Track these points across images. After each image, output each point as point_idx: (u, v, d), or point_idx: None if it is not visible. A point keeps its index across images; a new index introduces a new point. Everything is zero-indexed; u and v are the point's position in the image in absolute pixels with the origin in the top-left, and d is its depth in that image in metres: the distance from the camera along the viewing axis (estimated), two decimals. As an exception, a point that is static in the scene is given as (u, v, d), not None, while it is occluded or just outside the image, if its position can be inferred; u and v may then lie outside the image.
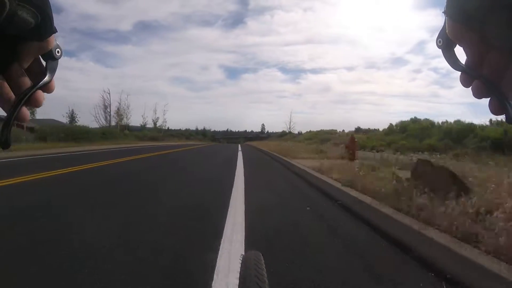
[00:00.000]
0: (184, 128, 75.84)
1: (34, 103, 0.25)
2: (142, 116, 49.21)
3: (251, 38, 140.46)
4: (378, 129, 50.81)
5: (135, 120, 47.41)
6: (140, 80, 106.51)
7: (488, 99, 0.24)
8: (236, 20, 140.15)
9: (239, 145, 28.11)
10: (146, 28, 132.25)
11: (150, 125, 49.11)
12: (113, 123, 39.41)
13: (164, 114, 51.80)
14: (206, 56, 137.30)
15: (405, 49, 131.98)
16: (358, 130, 48.37)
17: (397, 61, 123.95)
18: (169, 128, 62.91)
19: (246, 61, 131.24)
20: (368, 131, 49.60)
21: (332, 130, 46.25)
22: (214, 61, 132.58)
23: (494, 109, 0.23)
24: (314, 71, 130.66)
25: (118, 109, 39.45)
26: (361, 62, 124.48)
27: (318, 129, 50.68)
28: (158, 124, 50.44)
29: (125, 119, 40.30)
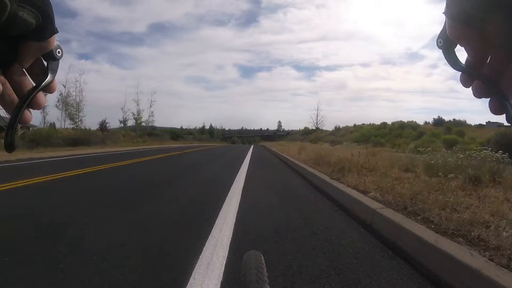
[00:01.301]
0: (196, 127, 64.66)
1: (35, 105, 0.25)
2: (122, 109, 35.04)
3: (264, 37, 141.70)
4: (465, 120, 33.59)
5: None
6: (155, 81, 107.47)
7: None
8: (249, 19, 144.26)
9: (249, 151, 13.57)
10: (160, 30, 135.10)
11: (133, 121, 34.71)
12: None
13: (150, 107, 36.78)
14: (220, 55, 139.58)
15: (421, 44, 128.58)
16: (439, 122, 31.86)
17: (413, 57, 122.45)
18: (179, 127, 49.12)
19: (260, 59, 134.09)
20: (459, 124, 32.95)
21: (410, 121, 29.75)
22: (229, 60, 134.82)
23: (494, 109, 0.23)
24: (329, 68, 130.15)
25: (61, 95, 25.83)
26: (376, 58, 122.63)
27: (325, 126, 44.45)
28: (143, 119, 35.82)
29: (74, 111, 26.38)
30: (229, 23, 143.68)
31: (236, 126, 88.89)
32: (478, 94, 0.24)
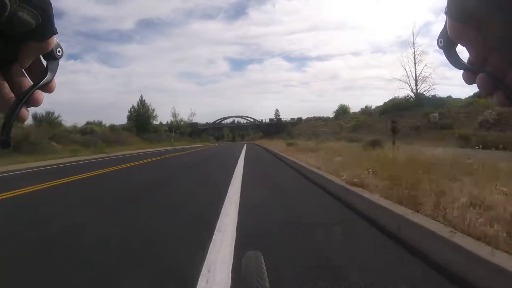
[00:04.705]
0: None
1: (33, 103, 0.25)
2: None
3: (254, 29, 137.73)
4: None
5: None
6: (147, 78, 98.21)
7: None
8: (238, 12, 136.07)
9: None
10: (149, 26, 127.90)
11: None
12: None
13: None
14: (211, 49, 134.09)
15: (411, 32, 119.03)
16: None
17: (404, 44, 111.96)
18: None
19: (251, 52, 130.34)
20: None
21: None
22: (219, 54, 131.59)
23: (500, 102, 0.23)
24: (320, 58, 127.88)
25: None
26: (367, 46, 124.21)
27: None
28: None
29: None
30: (218, 16, 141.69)
31: (229, 120, 68.38)
32: (483, 88, 0.23)
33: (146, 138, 26.70)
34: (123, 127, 27.24)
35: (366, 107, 34.00)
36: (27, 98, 0.24)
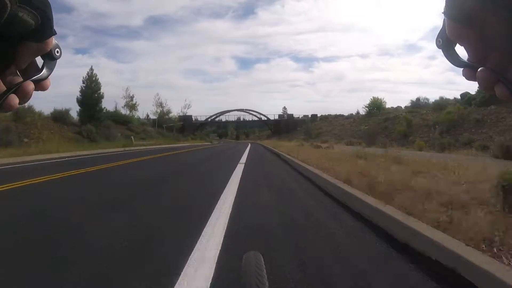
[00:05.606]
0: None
1: (20, 93, 0.24)
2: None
3: (262, 28, 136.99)
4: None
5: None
6: (154, 74, 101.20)
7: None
8: (246, 11, 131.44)
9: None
10: (157, 23, 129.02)
11: None
12: None
13: None
14: (218, 47, 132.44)
15: (419, 36, 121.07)
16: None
17: (411, 48, 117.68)
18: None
19: (258, 51, 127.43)
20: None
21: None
22: (227, 52, 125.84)
23: (501, 94, 0.22)
24: (327, 59, 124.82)
25: None
26: (374, 49, 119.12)
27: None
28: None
29: None
30: (227, 15, 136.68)
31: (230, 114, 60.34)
32: (484, 81, 0.23)
33: (87, 132, 17.47)
34: (55, 115, 18.00)
35: (417, 99, 24.35)
36: (18, 87, 0.23)
